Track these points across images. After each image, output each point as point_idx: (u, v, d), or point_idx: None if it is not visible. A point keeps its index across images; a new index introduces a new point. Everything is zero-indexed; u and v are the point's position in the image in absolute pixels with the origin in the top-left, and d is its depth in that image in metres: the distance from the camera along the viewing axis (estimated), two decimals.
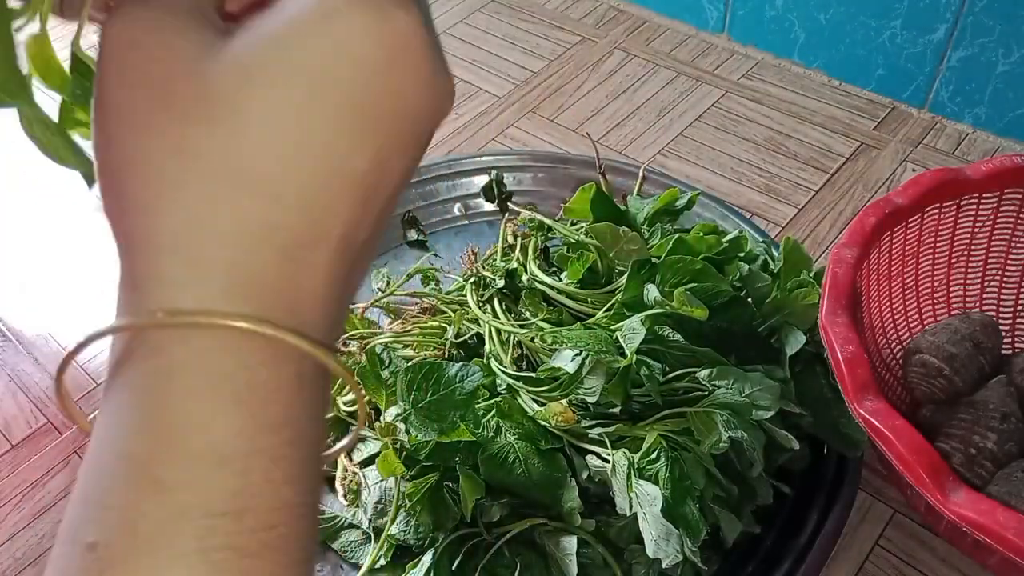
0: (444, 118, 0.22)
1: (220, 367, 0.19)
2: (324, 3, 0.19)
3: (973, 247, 0.60)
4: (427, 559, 0.50)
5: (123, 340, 0.20)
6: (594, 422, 0.52)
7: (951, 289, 0.61)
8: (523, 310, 0.61)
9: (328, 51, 0.19)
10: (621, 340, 0.51)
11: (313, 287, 0.20)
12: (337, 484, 0.56)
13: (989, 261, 0.60)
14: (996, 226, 0.59)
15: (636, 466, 0.48)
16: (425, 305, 0.65)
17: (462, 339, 0.60)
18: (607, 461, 0.50)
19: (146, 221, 0.19)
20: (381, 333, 0.62)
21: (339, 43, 0.19)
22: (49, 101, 0.25)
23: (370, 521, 0.54)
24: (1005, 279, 0.61)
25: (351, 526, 0.55)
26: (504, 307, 0.62)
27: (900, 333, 0.60)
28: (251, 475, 0.19)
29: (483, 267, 0.65)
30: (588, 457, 0.52)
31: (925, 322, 0.61)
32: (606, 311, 0.56)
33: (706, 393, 0.50)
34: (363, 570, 0.52)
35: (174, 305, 0.19)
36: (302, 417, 0.20)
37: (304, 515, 0.20)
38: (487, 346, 0.58)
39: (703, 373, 0.50)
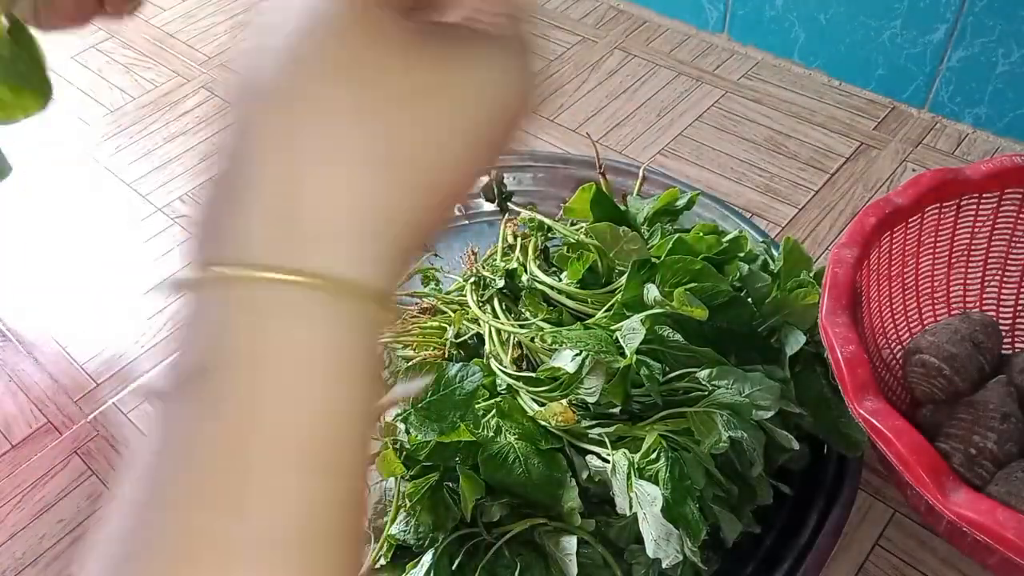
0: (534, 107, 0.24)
1: (307, 337, 0.19)
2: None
3: (973, 247, 0.60)
4: (427, 559, 0.50)
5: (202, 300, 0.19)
6: (594, 422, 0.52)
7: (951, 289, 0.61)
8: (523, 310, 0.61)
9: (474, 90, 0.21)
10: (621, 340, 0.51)
11: (394, 262, 0.21)
12: None
13: (989, 261, 0.60)
14: (996, 226, 0.59)
15: (636, 466, 0.48)
16: (425, 305, 0.65)
17: (462, 339, 0.60)
18: (607, 461, 0.50)
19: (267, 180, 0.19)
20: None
21: (486, 83, 0.22)
22: None
23: (370, 521, 0.54)
24: (1005, 279, 0.61)
25: None
26: (504, 307, 0.62)
27: (900, 333, 0.60)
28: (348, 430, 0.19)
29: (483, 267, 0.65)
30: (588, 457, 0.52)
31: (925, 322, 0.61)
32: (606, 311, 0.56)
33: (706, 393, 0.50)
34: (363, 570, 0.52)
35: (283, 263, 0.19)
36: (369, 391, 0.21)
37: (360, 504, 0.20)
38: (487, 346, 0.58)
39: (703, 373, 0.50)
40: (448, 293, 0.66)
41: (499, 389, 0.56)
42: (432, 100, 0.20)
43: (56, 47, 1.09)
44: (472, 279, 0.64)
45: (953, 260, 0.60)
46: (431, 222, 0.22)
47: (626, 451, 0.49)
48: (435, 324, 0.62)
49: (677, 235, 0.57)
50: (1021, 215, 0.58)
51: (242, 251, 0.19)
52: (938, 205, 0.57)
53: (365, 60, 0.19)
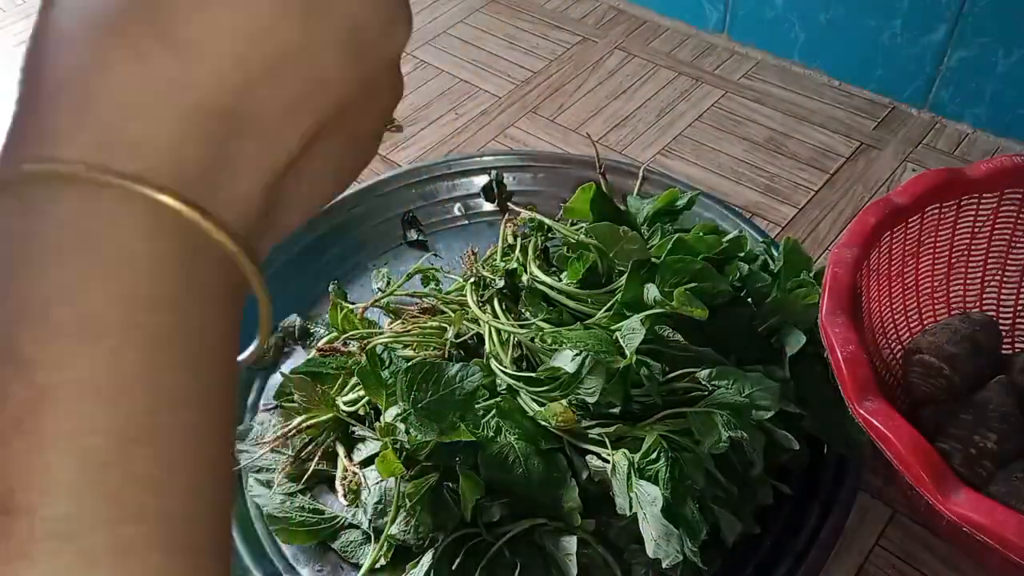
0: (397, 46, 0.21)
1: (93, 229, 0.17)
2: None
3: (973, 247, 0.60)
4: (427, 559, 0.50)
5: None
6: (594, 422, 0.52)
7: (951, 289, 0.61)
8: (523, 310, 0.61)
9: None
10: (621, 340, 0.51)
11: (225, 171, 0.18)
12: (337, 484, 0.56)
13: (989, 261, 0.60)
14: (996, 226, 0.59)
15: (636, 466, 0.48)
16: (425, 305, 0.65)
17: (462, 339, 0.60)
18: (607, 461, 0.50)
19: (54, 66, 0.18)
20: (381, 333, 0.62)
21: None
22: None
23: (370, 521, 0.54)
24: (1005, 279, 0.61)
25: (351, 526, 0.55)
26: (504, 307, 0.62)
27: (900, 333, 0.60)
28: (126, 354, 0.17)
29: (483, 267, 0.65)
30: (588, 457, 0.52)
31: (925, 322, 0.61)
32: (606, 311, 0.56)
33: (706, 393, 0.50)
34: (363, 570, 0.52)
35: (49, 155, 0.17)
36: (193, 305, 0.18)
37: (199, 406, 0.18)
38: (487, 346, 0.58)
39: (703, 373, 0.50)
40: (448, 293, 0.66)
41: (499, 389, 0.56)
42: None
43: None
44: (472, 279, 0.64)
45: (953, 260, 0.60)
46: (291, 132, 0.19)
47: (626, 451, 0.49)
48: (435, 324, 0.62)
49: (677, 235, 0.57)
50: (1021, 215, 0.58)
51: (44, 146, 0.17)
52: (938, 205, 0.57)
53: None
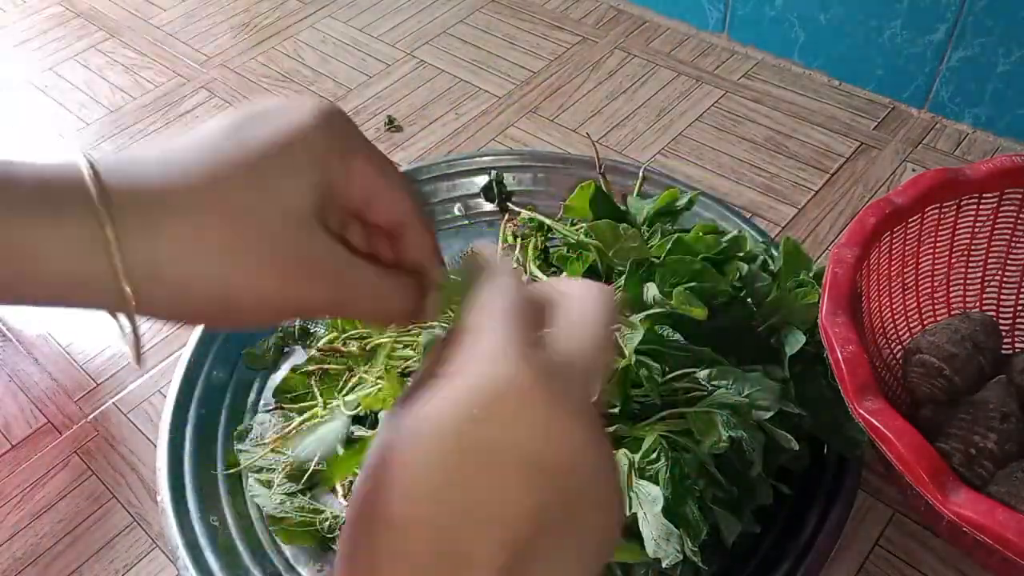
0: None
1: None
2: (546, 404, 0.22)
3: (973, 247, 0.60)
4: None
5: None
6: None
7: (951, 289, 0.61)
8: None
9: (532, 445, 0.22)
10: (620, 340, 0.51)
11: None
12: (337, 484, 0.56)
13: (989, 261, 0.60)
14: (996, 226, 0.59)
15: (636, 466, 0.48)
16: None
17: None
18: None
19: None
20: (381, 333, 0.62)
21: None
22: None
23: None
24: (1005, 279, 0.61)
25: None
26: None
27: (900, 333, 0.60)
28: None
29: None
30: None
31: (925, 322, 0.61)
32: None
33: (706, 393, 0.50)
34: None
35: None
36: None
37: None
38: None
39: (703, 373, 0.50)
40: None
41: None
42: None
43: (56, 47, 1.09)
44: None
45: (953, 260, 0.60)
46: None
47: (626, 451, 0.49)
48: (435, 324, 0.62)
49: (677, 235, 0.57)
50: (1021, 215, 0.58)
51: None
52: (938, 205, 0.57)
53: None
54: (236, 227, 0.25)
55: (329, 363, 0.61)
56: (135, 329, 0.26)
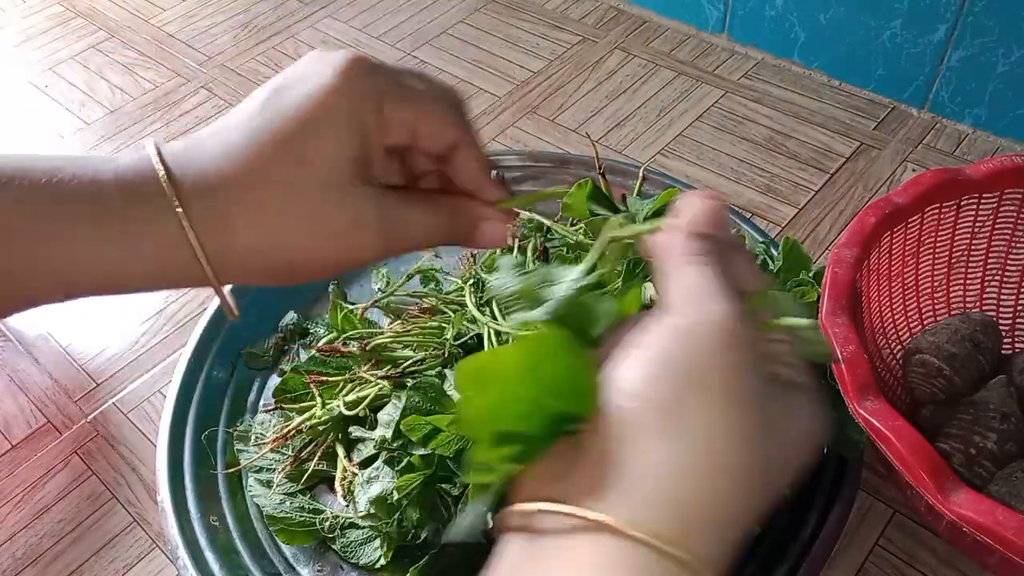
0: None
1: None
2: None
3: (973, 247, 0.60)
4: (427, 559, 0.50)
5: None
6: None
7: (951, 289, 0.61)
8: None
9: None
10: None
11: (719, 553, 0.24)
12: (337, 484, 0.56)
13: (989, 261, 0.60)
14: (996, 226, 0.59)
15: None
16: (425, 305, 0.65)
17: (462, 340, 0.60)
18: None
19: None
20: (381, 333, 0.62)
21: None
22: None
23: (370, 521, 0.54)
24: (1005, 279, 0.61)
25: (351, 526, 0.55)
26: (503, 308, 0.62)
27: (900, 333, 0.60)
28: None
29: (481, 269, 0.65)
30: None
31: (925, 322, 0.61)
32: None
33: None
34: (363, 570, 0.52)
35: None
36: None
37: None
38: (486, 347, 0.58)
39: None
40: (448, 294, 0.66)
41: None
42: (777, 432, 0.24)
43: (56, 47, 1.09)
44: (471, 281, 0.64)
45: (953, 260, 0.60)
46: (739, 535, 0.25)
47: None
48: (435, 324, 0.62)
49: None
50: (1021, 215, 0.58)
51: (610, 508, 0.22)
52: (938, 205, 0.57)
53: (744, 387, 0.24)
54: (285, 200, 0.28)
55: (329, 363, 0.61)
56: (220, 293, 0.29)
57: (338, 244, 0.29)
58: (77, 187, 0.26)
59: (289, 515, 0.55)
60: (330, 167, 0.28)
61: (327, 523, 0.55)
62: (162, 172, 0.27)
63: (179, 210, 0.27)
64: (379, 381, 0.58)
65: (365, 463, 0.56)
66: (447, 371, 0.58)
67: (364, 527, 0.54)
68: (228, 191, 0.27)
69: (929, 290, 0.61)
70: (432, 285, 0.68)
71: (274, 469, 0.58)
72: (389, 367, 0.59)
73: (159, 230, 0.27)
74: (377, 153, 0.30)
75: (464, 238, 0.33)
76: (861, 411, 0.44)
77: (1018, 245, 0.59)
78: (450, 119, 0.31)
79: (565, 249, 0.63)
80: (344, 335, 0.63)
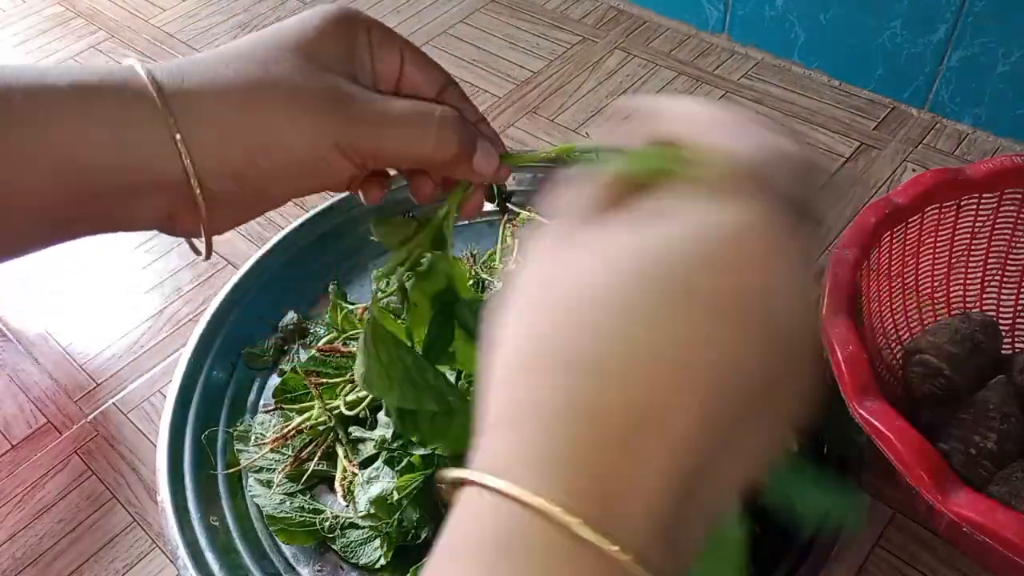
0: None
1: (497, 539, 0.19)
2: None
3: (973, 247, 0.60)
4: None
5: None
6: None
7: (951, 289, 0.61)
8: None
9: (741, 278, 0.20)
10: None
11: (630, 482, 0.19)
12: (337, 484, 0.56)
13: (989, 261, 0.60)
14: (996, 226, 0.59)
15: None
16: None
17: None
18: None
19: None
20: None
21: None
22: None
23: (370, 521, 0.54)
24: (1005, 279, 0.61)
25: (351, 526, 0.55)
26: None
27: (900, 333, 0.60)
28: None
29: (481, 269, 0.65)
30: None
31: (925, 322, 0.61)
32: None
33: None
34: (363, 570, 0.52)
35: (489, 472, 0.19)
36: None
37: None
38: None
39: None
40: None
41: None
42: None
43: (56, 47, 1.09)
44: (471, 281, 0.64)
45: (953, 260, 0.60)
46: (702, 443, 0.20)
47: None
48: None
49: None
50: (1021, 215, 0.58)
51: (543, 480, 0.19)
52: (938, 205, 0.57)
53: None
54: (264, 75, 0.29)
55: (329, 363, 0.61)
56: (203, 210, 0.30)
57: (316, 121, 0.29)
58: (63, 76, 0.28)
59: (289, 515, 0.55)
60: (320, 64, 0.30)
61: (327, 523, 0.55)
62: (150, 81, 0.28)
63: (164, 109, 0.28)
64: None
65: (365, 463, 0.56)
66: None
67: (364, 527, 0.54)
68: (215, 89, 0.29)
69: (929, 290, 0.61)
70: None
71: (274, 469, 0.58)
72: None
73: (147, 126, 0.28)
74: (367, 71, 0.32)
75: (455, 156, 0.31)
76: (861, 411, 0.44)
77: (1018, 245, 0.59)
78: (435, 65, 0.32)
79: None
80: (344, 335, 0.63)
